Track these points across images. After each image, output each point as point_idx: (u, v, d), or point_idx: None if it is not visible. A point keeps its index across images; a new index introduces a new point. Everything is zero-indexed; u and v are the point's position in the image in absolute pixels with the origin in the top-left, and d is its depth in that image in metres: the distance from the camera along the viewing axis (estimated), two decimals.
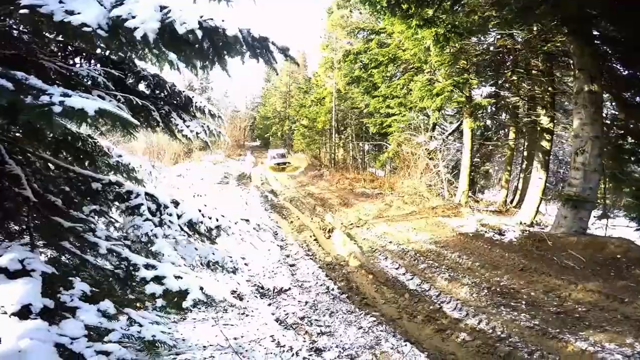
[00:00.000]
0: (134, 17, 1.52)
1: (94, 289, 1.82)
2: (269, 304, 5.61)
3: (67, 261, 1.98)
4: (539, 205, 7.89)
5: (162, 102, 3.31)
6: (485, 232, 7.28)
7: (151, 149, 24.03)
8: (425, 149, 10.71)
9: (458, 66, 8.83)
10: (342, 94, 17.69)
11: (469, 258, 6.29)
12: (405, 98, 10.25)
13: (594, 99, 5.73)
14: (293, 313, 5.08)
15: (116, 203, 2.42)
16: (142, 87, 3.41)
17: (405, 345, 4.02)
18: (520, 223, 7.51)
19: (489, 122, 10.59)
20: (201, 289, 1.91)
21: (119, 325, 1.82)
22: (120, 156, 3.83)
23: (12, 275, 1.59)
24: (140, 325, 1.94)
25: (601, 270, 5.43)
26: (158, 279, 1.88)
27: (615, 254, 5.60)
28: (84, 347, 1.56)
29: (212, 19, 1.62)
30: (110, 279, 2.05)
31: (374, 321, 4.55)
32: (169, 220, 2.48)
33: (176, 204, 2.74)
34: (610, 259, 5.58)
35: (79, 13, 1.51)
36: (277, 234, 9.18)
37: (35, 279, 1.61)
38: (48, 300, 1.60)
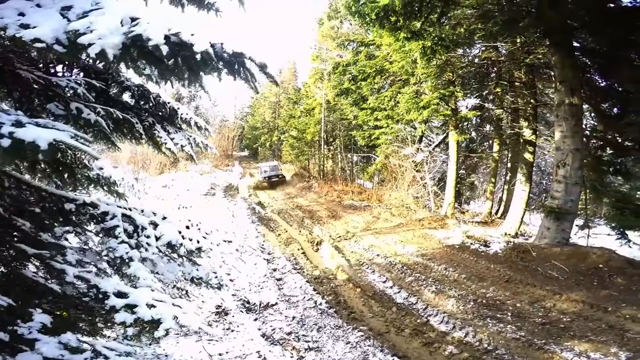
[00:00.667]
0: (91, 31, 1.40)
1: (56, 318, 1.72)
2: (255, 319, 5.51)
3: (28, 289, 1.87)
4: (522, 216, 8.05)
5: (146, 114, 3.24)
6: (471, 243, 7.37)
7: (136, 158, 23.44)
8: (412, 161, 10.88)
9: (444, 78, 9.06)
10: (331, 105, 17.85)
11: (455, 270, 6.35)
12: (393, 110, 10.42)
13: (575, 112, 5.93)
14: (280, 328, 5.00)
15: (91, 225, 2.33)
16: (126, 97, 3.35)
17: (393, 359, 3.99)
18: (505, 234, 7.64)
19: (474, 134, 10.85)
20: (175, 318, 1.82)
21: (82, 357, 1.71)
22: (101, 169, 3.74)
23: None
24: (106, 358, 1.84)
25: (584, 280, 5.53)
26: (129, 307, 1.78)
27: (598, 263, 5.72)
28: None
29: (179, 33, 1.51)
30: (78, 307, 1.95)
31: (362, 336, 4.52)
32: (147, 243, 2.41)
33: (155, 225, 2.65)
34: (593, 269, 5.69)
35: (34, 27, 1.41)
36: (264, 248, 9.08)
37: None
38: (2, 333, 1.50)
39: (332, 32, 18.49)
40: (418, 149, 11.15)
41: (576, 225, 6.92)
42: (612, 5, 5.32)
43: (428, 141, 12.16)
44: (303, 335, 4.76)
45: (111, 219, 2.27)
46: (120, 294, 1.84)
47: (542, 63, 7.67)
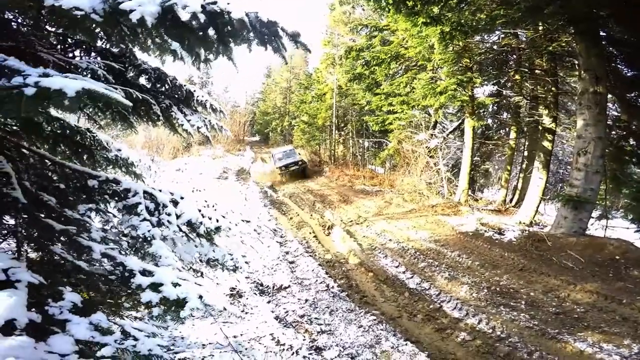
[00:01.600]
0: None
1: (85, 298, 1.72)
2: (269, 302, 5.59)
3: (56, 268, 1.87)
4: (538, 205, 7.88)
5: (162, 96, 3.23)
6: (485, 231, 7.27)
7: (150, 143, 23.68)
8: (426, 147, 10.68)
9: (461, 64, 8.77)
10: (342, 91, 17.61)
11: (469, 257, 6.29)
12: (408, 96, 10.17)
13: (599, 100, 5.69)
14: (293, 311, 5.06)
15: (113, 202, 2.32)
16: (142, 80, 3.32)
17: (406, 344, 4.00)
18: (520, 223, 7.50)
19: (490, 121, 10.56)
20: (200, 297, 1.81)
21: (113, 339, 1.69)
22: (119, 150, 3.79)
23: None
24: (136, 339, 1.83)
25: (600, 271, 5.43)
26: (155, 287, 1.76)
27: (614, 255, 5.60)
28: None
29: (215, 2, 1.48)
30: (104, 286, 1.96)
31: (374, 320, 4.53)
32: (168, 221, 2.39)
33: (175, 203, 2.65)
34: (609, 260, 5.58)
35: None
36: (276, 231, 9.15)
37: (20, 290, 1.49)
38: (34, 314, 1.49)
39: (344, 17, 18.08)
40: (432, 135, 10.92)
41: (593, 217, 6.74)
42: None
43: (442, 127, 11.89)
44: (315, 318, 4.81)
45: (133, 196, 2.26)
46: (146, 273, 1.83)
47: (565, 51, 7.34)
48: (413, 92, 10.03)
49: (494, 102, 9.49)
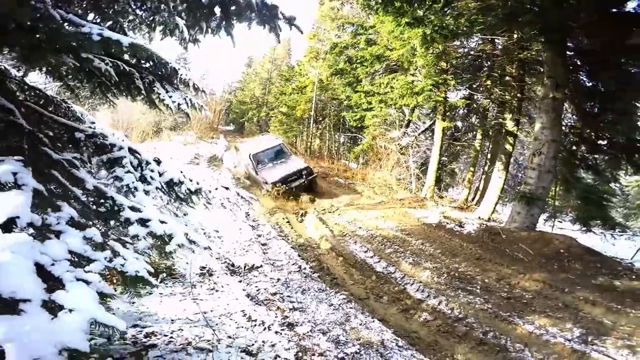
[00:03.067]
0: None
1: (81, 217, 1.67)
2: (240, 281, 5.50)
3: (56, 189, 1.81)
4: (496, 203, 8.33)
5: (146, 72, 3.22)
6: (447, 223, 7.58)
7: (117, 125, 22.25)
8: (398, 144, 10.93)
9: (439, 67, 9.01)
10: (323, 85, 17.54)
11: (431, 245, 6.52)
12: (386, 95, 10.31)
13: (556, 106, 6.05)
14: (265, 289, 5.02)
15: (98, 155, 2.24)
16: (126, 57, 3.19)
17: (373, 321, 4.11)
18: (479, 218, 7.89)
19: (459, 123, 10.97)
20: (185, 234, 1.84)
21: (103, 255, 1.71)
22: (93, 123, 3.65)
23: (2, 187, 1.50)
24: (125, 259, 1.82)
25: (546, 263, 5.81)
26: (143, 221, 1.79)
27: (559, 249, 6.01)
28: (64, 272, 1.44)
29: None
30: (95, 217, 1.89)
31: (344, 299, 4.61)
32: (151, 177, 2.35)
33: (158, 162, 2.60)
34: (555, 254, 5.97)
35: None
36: (248, 215, 9.00)
37: (26, 192, 1.51)
38: (36, 216, 1.49)
39: (331, 12, 17.94)
40: (405, 133, 11.20)
41: (543, 219, 7.20)
42: (614, 10, 5.35)
43: (415, 127, 12.21)
44: (288, 296, 4.80)
45: (118, 150, 2.22)
46: (134, 208, 1.82)
47: (534, 59, 7.73)
48: (392, 91, 10.18)
49: (464, 106, 9.86)
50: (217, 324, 3.97)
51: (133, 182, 2.25)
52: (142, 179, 2.43)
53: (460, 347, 3.91)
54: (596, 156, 6.39)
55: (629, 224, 16.17)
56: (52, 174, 1.82)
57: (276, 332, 3.97)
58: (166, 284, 4.94)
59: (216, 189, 3.54)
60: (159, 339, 3.18)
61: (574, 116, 7.26)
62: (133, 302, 4.26)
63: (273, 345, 3.67)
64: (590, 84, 6.30)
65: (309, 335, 3.90)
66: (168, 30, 2.80)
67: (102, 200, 1.91)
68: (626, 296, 4.72)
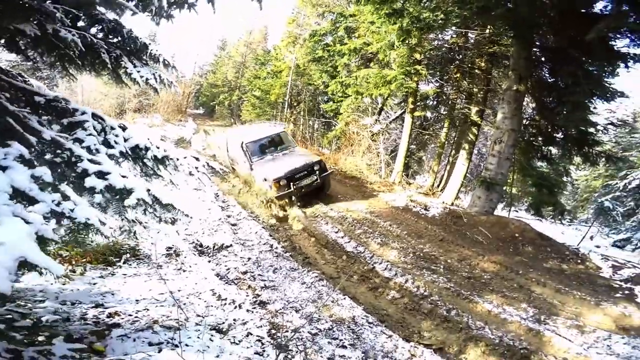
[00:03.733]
0: None
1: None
2: (209, 261, 5.28)
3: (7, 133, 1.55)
4: (459, 189, 8.67)
5: (113, 47, 3.04)
6: (414, 206, 7.76)
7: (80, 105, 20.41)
8: (370, 131, 10.98)
9: (412, 58, 9.05)
10: (300, 70, 17.14)
11: (398, 227, 6.63)
12: (361, 86, 10.25)
13: (518, 97, 6.29)
14: (235, 268, 4.85)
15: (59, 119, 1.98)
16: (94, 30, 3.13)
17: (344, 298, 4.09)
18: (443, 202, 8.16)
19: (428, 114, 11.19)
20: (148, 190, 1.64)
21: (51, 198, 1.49)
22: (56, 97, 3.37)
23: None
24: (75, 204, 1.63)
25: (503, 245, 6.13)
26: (101, 174, 1.57)
27: (514, 233, 6.36)
28: (1, 204, 1.26)
29: None
30: (49, 168, 1.63)
31: (316, 277, 4.55)
32: (115, 141, 2.09)
33: (124, 128, 2.36)
34: (510, 237, 6.31)
35: None
36: (217, 196, 8.65)
37: None
38: None
39: None
40: (377, 120, 11.25)
41: (502, 208, 7.56)
42: (583, 10, 5.55)
43: (386, 115, 12.30)
44: (259, 275, 4.67)
45: (81, 114, 1.95)
46: (93, 161, 1.59)
47: (502, 54, 7.97)
48: (367, 82, 10.13)
49: (434, 97, 10.05)
50: (185, 304, 3.77)
51: (95, 145, 2.00)
52: (106, 143, 2.20)
53: (426, 323, 4.01)
54: (551, 147, 6.76)
55: (577, 215, 17.71)
56: (6, 121, 1.56)
57: (248, 311, 3.84)
58: (130, 264, 4.62)
59: (184, 157, 3.29)
60: (122, 318, 2.94)
61: (533, 109, 7.61)
62: (94, 283, 3.94)
63: (245, 323, 3.55)
64: (552, 79, 6.58)
65: (282, 312, 3.82)
66: (141, 4, 2.67)
67: (58, 151, 1.65)
68: (572, 279, 5.10)
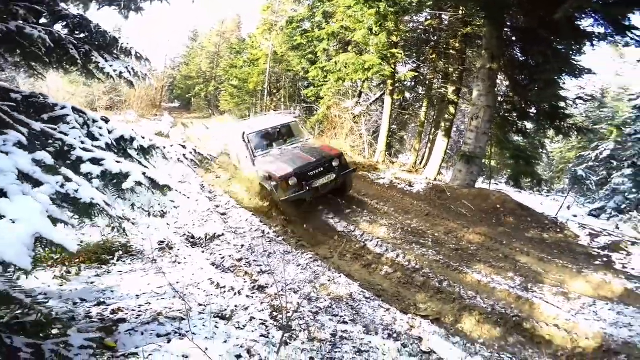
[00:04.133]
0: None
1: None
2: (203, 252, 5.21)
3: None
4: (440, 165, 8.90)
5: (81, 42, 2.93)
6: (398, 184, 7.91)
7: None
8: (351, 114, 10.99)
9: (389, 41, 9.03)
10: (278, 57, 16.78)
11: (385, 204, 6.73)
12: (341, 72, 10.16)
13: (491, 75, 6.45)
14: (230, 256, 4.82)
15: (38, 115, 1.89)
16: (58, 27, 2.98)
17: (340, 276, 4.18)
18: (426, 178, 8.37)
19: (408, 95, 11.28)
20: (143, 173, 1.63)
21: (55, 179, 1.49)
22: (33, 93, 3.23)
23: None
24: (79, 185, 1.61)
25: (486, 217, 6.32)
26: (96, 160, 1.55)
27: (496, 204, 6.59)
28: (10, 184, 1.25)
29: None
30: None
31: (311, 258, 4.60)
32: (99, 134, 2.02)
33: (106, 120, 2.28)
34: (492, 209, 6.52)
35: None
36: (203, 187, 8.48)
37: None
38: None
39: None
40: (357, 102, 11.26)
41: (482, 182, 7.79)
42: None
43: (366, 97, 12.32)
44: (254, 261, 4.67)
45: (61, 109, 1.87)
46: (86, 149, 1.55)
47: (475, 35, 8.10)
48: (347, 67, 10.05)
49: (412, 78, 10.12)
50: (185, 295, 3.74)
51: (80, 137, 1.91)
52: (90, 136, 2.11)
53: (421, 296, 4.15)
54: (525, 122, 7.01)
55: (554, 186, 18.64)
56: None
57: (247, 296, 3.85)
58: (124, 261, 4.51)
59: (171, 145, 3.21)
60: (126, 314, 2.89)
61: (507, 87, 7.83)
62: (92, 282, 3.83)
63: (246, 309, 3.56)
64: (523, 58, 6.76)
65: (281, 295, 3.85)
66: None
67: (50, 141, 1.59)
68: (553, 247, 5.35)
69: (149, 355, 2.32)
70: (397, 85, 10.05)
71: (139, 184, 1.65)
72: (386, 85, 10.19)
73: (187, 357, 2.44)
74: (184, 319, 2.98)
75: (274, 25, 16.99)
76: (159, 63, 34.81)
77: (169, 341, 2.57)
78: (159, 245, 5.28)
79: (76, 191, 1.52)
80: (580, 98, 7.02)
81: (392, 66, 9.46)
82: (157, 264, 4.57)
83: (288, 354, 2.79)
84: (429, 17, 9.03)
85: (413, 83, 10.89)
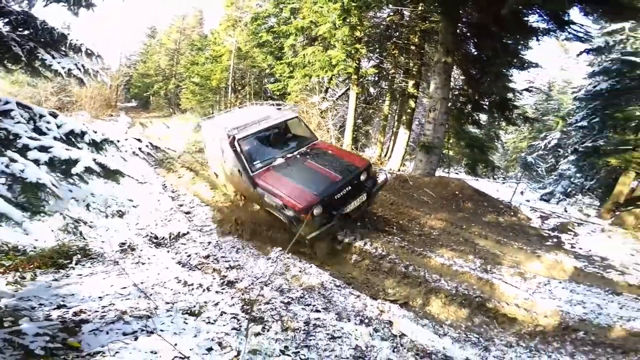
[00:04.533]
0: None
1: None
2: (168, 251, 5.09)
3: None
4: (403, 156, 9.29)
5: (26, 39, 2.88)
6: None
7: None
8: (318, 109, 11.12)
9: (354, 37, 9.24)
10: (242, 53, 16.46)
11: None
12: (308, 67, 10.22)
13: (446, 69, 6.84)
14: (196, 254, 4.75)
15: None
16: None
17: (311, 267, 4.26)
18: (390, 169, 8.71)
19: (372, 89, 11.60)
20: (94, 159, 1.62)
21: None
22: None
23: None
24: (25, 165, 1.60)
25: (446, 203, 6.64)
26: (43, 148, 1.51)
27: (455, 191, 6.97)
28: None
29: None
30: None
31: (280, 251, 4.64)
32: (47, 128, 1.96)
33: (54, 115, 2.21)
34: (452, 195, 6.87)
35: None
36: (165, 187, 8.20)
37: None
38: None
39: None
40: (324, 98, 11.41)
41: (444, 171, 8.22)
42: None
43: (332, 92, 12.51)
44: (222, 257, 4.64)
45: (4, 104, 1.79)
46: (33, 138, 1.51)
47: (433, 30, 8.50)
48: (313, 64, 10.13)
49: (375, 73, 10.44)
50: (151, 294, 3.65)
51: (26, 132, 1.83)
52: (37, 131, 2.02)
53: (389, 281, 4.32)
54: (479, 113, 7.52)
55: (509, 174, 20.07)
56: None
57: (217, 292, 3.84)
58: (83, 264, 4.30)
59: (126, 139, 3.09)
60: (89, 315, 2.80)
61: (463, 81, 8.34)
62: (49, 286, 3.62)
63: (217, 304, 3.56)
64: (476, 53, 7.23)
65: (252, 288, 3.88)
66: None
67: None
68: (509, 230, 5.72)
69: (116, 352, 2.29)
70: (361, 80, 10.31)
71: (90, 170, 1.62)
72: (351, 80, 10.43)
73: (155, 352, 2.43)
74: (150, 317, 2.93)
75: (238, 22, 16.67)
76: (113, 61, 32.89)
77: (135, 338, 2.54)
78: (121, 247, 5.09)
79: (22, 171, 1.47)
80: (527, 89, 7.67)
81: (357, 62, 9.70)
82: (119, 266, 4.41)
83: (262, 345, 2.84)
84: (391, 13, 9.36)
85: (376, 78, 11.23)
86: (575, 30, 5.69)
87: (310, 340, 3.03)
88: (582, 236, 5.75)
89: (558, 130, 16.40)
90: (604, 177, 10.18)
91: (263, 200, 4.76)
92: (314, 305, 3.62)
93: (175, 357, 2.33)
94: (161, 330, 2.74)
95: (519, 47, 6.97)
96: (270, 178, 4.75)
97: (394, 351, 3.03)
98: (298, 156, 5.16)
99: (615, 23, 8.42)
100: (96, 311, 2.92)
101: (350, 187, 4.62)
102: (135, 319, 2.83)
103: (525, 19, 6.30)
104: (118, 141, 2.59)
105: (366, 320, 3.44)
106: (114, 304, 3.18)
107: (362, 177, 4.89)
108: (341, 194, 4.53)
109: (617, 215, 7.25)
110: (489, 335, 3.50)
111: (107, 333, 2.51)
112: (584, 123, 10.63)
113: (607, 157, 8.37)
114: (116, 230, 5.66)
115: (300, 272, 4.20)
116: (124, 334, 2.59)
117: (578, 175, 11.92)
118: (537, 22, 6.33)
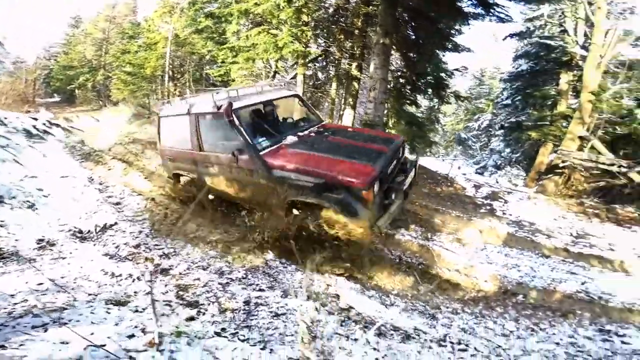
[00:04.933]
0: None
1: None
2: (94, 245, 4.67)
3: None
4: None
5: None
6: None
7: None
8: None
9: (300, 20, 9.11)
10: (180, 40, 15.56)
11: None
12: (251, 51, 9.88)
13: (385, 50, 7.04)
14: (125, 244, 4.42)
15: None
16: None
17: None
18: None
19: (320, 74, 11.64)
20: None
21: None
22: None
23: None
24: None
25: None
26: None
27: None
28: None
29: None
30: None
31: (220, 237, 4.49)
32: None
33: None
34: None
35: None
36: (92, 179, 7.48)
37: None
38: None
39: None
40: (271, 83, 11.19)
41: None
42: None
43: (282, 77, 12.32)
44: (155, 245, 4.38)
45: None
46: None
47: (375, 14, 8.73)
48: (257, 47, 9.81)
49: (322, 58, 10.50)
50: (73, 288, 3.31)
51: None
52: None
53: None
54: (417, 94, 7.92)
55: (448, 154, 21.80)
56: None
57: (149, 281, 3.62)
58: None
59: (17, 117, 2.72)
60: None
61: (402, 63, 8.72)
62: None
63: (148, 293, 3.35)
64: (413, 36, 7.56)
65: (187, 273, 3.72)
66: None
67: None
68: (446, 200, 6.13)
69: (20, 345, 2.06)
70: (309, 64, 10.30)
71: None
72: (299, 64, 10.37)
73: (67, 343, 2.23)
74: (66, 309, 2.68)
75: (174, 7, 15.68)
76: (30, 53, 29.31)
77: (45, 330, 2.32)
78: (38, 243, 4.56)
79: None
80: (457, 69, 8.23)
81: (304, 45, 9.63)
82: (36, 263, 3.95)
83: (195, 330, 2.71)
84: None
85: (324, 63, 11.29)
86: (498, 12, 6.16)
87: (252, 319, 2.95)
88: (512, 203, 6.29)
89: (489, 112, 18.17)
90: (527, 149, 11.43)
91: (279, 188, 3.71)
92: (257, 285, 3.54)
93: (88, 345, 2.15)
94: (77, 322, 2.52)
95: (453, 32, 7.44)
96: (291, 156, 3.72)
97: (341, 325, 2.94)
98: (313, 134, 4.29)
99: (532, 4, 9.27)
100: (4, 309, 2.60)
101: (395, 162, 3.93)
102: (46, 312, 2.56)
103: (459, 3, 6.66)
104: (5, 118, 2.24)
105: (313, 296, 3.35)
106: (27, 300, 2.85)
107: (400, 153, 4.18)
108: (390, 168, 3.76)
109: (540, 183, 8.10)
110: (434, 303, 3.51)
111: (14, 327, 2.30)
112: (509, 102, 11.82)
113: (529, 131, 9.40)
114: (32, 226, 5.07)
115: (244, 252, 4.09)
116: (33, 327, 2.35)
117: (507, 149, 13.26)
118: (468, 6, 6.76)
